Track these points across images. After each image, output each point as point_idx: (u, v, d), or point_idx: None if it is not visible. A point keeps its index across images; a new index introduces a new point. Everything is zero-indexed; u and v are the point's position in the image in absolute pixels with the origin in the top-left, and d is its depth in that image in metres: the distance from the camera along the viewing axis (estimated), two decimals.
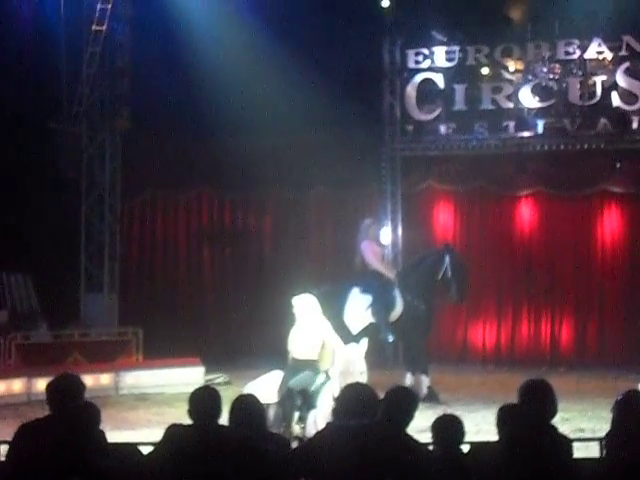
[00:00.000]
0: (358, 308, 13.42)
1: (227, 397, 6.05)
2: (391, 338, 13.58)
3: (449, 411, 6.35)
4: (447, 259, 13.66)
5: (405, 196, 19.14)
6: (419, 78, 18.60)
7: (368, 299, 13.47)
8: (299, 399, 10.34)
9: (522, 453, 4.47)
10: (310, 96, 16.60)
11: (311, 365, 10.50)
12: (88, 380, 7.28)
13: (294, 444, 6.96)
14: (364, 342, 11.05)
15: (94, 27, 17.84)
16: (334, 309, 13.19)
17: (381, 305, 13.45)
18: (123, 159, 19.24)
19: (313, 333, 10.43)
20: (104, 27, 17.86)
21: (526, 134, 18.09)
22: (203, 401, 5.81)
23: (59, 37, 17.55)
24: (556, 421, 5.70)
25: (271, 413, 9.87)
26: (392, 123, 18.94)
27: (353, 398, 6.09)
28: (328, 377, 10.39)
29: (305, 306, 10.47)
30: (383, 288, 13.55)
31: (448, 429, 5.81)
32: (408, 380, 13.26)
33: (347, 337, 12.14)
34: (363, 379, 9.82)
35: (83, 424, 5.61)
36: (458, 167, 18.83)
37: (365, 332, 13.28)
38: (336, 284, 14.08)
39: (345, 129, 17.29)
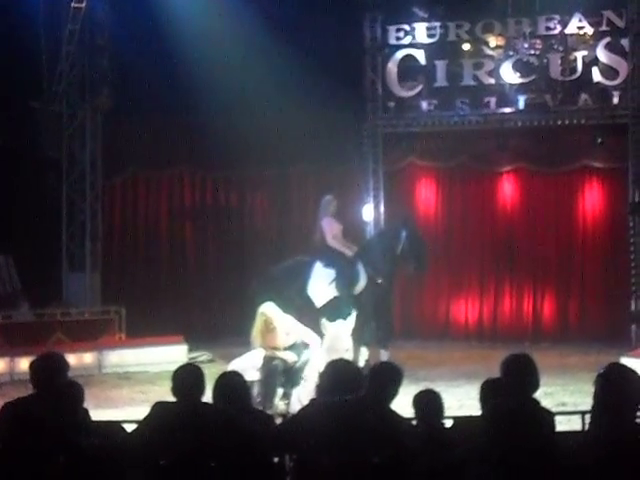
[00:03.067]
0: (321, 282, 13.42)
1: (210, 375, 6.07)
2: (353, 312, 13.59)
3: (431, 387, 6.38)
4: (404, 234, 13.73)
5: (387, 173, 19.13)
6: (400, 54, 18.54)
7: (331, 273, 13.49)
8: (282, 376, 10.40)
9: (505, 427, 4.49)
10: (291, 73, 16.54)
11: (292, 346, 10.62)
12: (71, 359, 7.28)
13: (278, 420, 6.99)
14: (351, 319, 11.10)
15: (73, 4, 17.66)
16: (298, 283, 13.20)
17: (344, 279, 13.47)
18: (104, 138, 19.12)
19: (288, 331, 10.62)
20: (83, 4, 17.70)
21: (507, 110, 18.08)
22: (186, 379, 5.82)
23: (38, 14, 17.41)
24: (538, 395, 5.74)
25: (255, 390, 9.91)
26: (373, 100, 18.88)
27: (337, 374, 6.12)
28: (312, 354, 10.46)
29: (274, 311, 10.65)
30: (346, 262, 13.58)
31: (427, 404, 5.85)
32: (384, 356, 13.22)
33: (311, 311, 12.17)
34: (349, 356, 9.86)
35: (67, 403, 5.61)
36: (440, 143, 18.83)
37: (329, 306, 13.26)
38: (299, 258, 14.08)
39: (326, 106, 17.23)
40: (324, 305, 13.29)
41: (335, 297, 13.47)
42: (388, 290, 14.15)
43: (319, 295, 13.36)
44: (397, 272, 14.38)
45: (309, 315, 11.64)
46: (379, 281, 13.75)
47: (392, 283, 14.28)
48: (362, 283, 13.64)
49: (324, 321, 10.67)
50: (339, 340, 10.30)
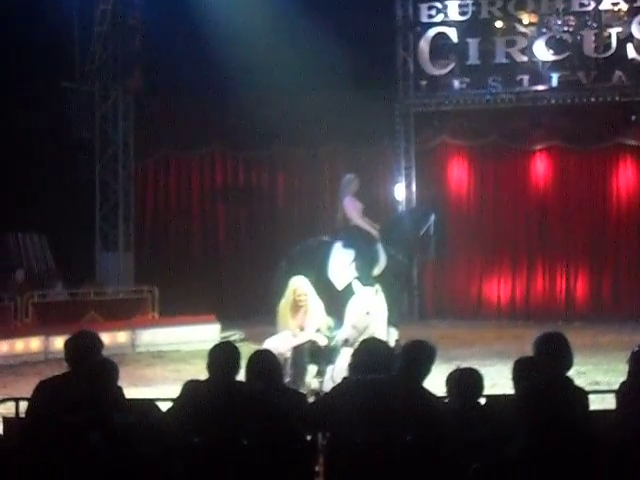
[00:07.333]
0: (342, 263, 13.23)
1: (243, 354, 6.09)
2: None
3: (464, 366, 6.35)
4: (432, 217, 13.51)
5: (419, 152, 19.07)
6: (432, 32, 18.44)
7: (351, 254, 13.29)
8: (311, 357, 10.36)
9: (538, 405, 4.48)
10: (322, 52, 16.50)
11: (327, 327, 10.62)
12: (105, 338, 7.29)
13: (310, 399, 7.01)
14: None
15: None
16: (317, 264, 12.96)
17: (364, 260, 13.29)
18: (136, 118, 19.21)
19: (317, 309, 10.60)
20: None
21: (540, 88, 17.96)
22: (223, 356, 5.86)
23: None
24: (572, 374, 5.71)
25: (287, 369, 9.91)
26: (405, 78, 18.81)
27: (370, 353, 6.12)
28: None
29: (306, 286, 10.60)
30: (366, 242, 13.40)
31: (468, 382, 5.82)
32: (393, 335, 13.07)
33: (333, 293, 12.06)
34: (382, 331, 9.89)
35: (101, 380, 5.64)
36: (472, 122, 18.74)
37: (350, 288, 13.09)
38: (318, 238, 13.89)
39: (358, 85, 17.19)
40: (345, 287, 13.14)
41: (355, 278, 13.32)
42: (409, 268, 14.11)
43: (340, 277, 13.21)
44: (417, 253, 14.30)
45: (331, 298, 11.51)
46: (405, 262, 13.64)
47: (413, 262, 14.22)
48: (382, 264, 13.46)
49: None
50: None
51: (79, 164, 18.65)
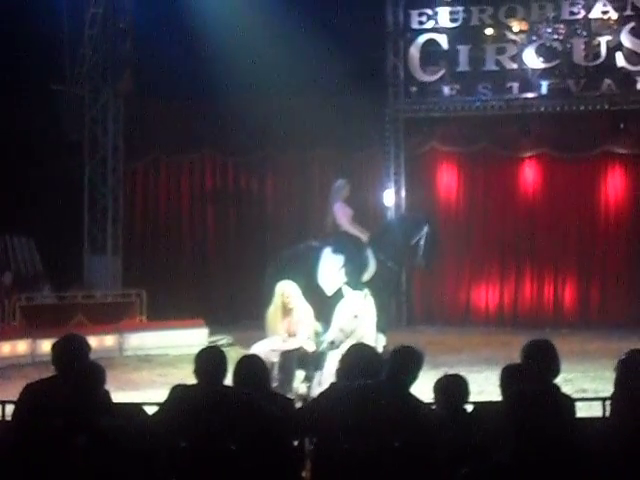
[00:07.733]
0: (331, 269, 13.19)
1: (230, 358, 6.08)
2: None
3: (451, 372, 6.36)
4: (425, 228, 13.47)
5: (408, 158, 19.09)
6: (422, 39, 18.49)
7: (340, 259, 13.26)
8: (299, 362, 10.35)
9: (525, 413, 4.49)
10: (313, 58, 16.51)
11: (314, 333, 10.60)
12: (92, 342, 7.26)
13: (298, 404, 7.00)
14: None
15: None
16: (307, 270, 12.90)
17: (354, 265, 13.26)
18: (126, 121, 19.18)
19: (306, 314, 10.58)
20: None
21: (530, 95, 18.02)
22: (209, 361, 5.83)
23: None
24: (559, 382, 5.72)
25: (274, 373, 9.90)
26: (395, 84, 18.85)
27: (357, 359, 6.12)
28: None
29: (294, 290, 10.58)
30: (355, 248, 13.38)
31: (454, 388, 5.83)
32: (381, 341, 13.05)
33: (322, 299, 12.04)
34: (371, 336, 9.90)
35: (88, 384, 5.63)
36: (462, 128, 18.78)
37: (340, 293, 13.04)
38: (308, 244, 13.84)
39: (348, 90, 17.19)
40: (335, 293, 13.10)
41: (345, 284, 13.28)
42: (398, 275, 14.11)
43: (329, 282, 13.17)
44: (406, 260, 14.29)
45: (321, 304, 11.49)
46: (395, 268, 13.62)
47: (402, 269, 14.21)
48: (371, 269, 13.44)
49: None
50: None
51: (68, 167, 18.61)
